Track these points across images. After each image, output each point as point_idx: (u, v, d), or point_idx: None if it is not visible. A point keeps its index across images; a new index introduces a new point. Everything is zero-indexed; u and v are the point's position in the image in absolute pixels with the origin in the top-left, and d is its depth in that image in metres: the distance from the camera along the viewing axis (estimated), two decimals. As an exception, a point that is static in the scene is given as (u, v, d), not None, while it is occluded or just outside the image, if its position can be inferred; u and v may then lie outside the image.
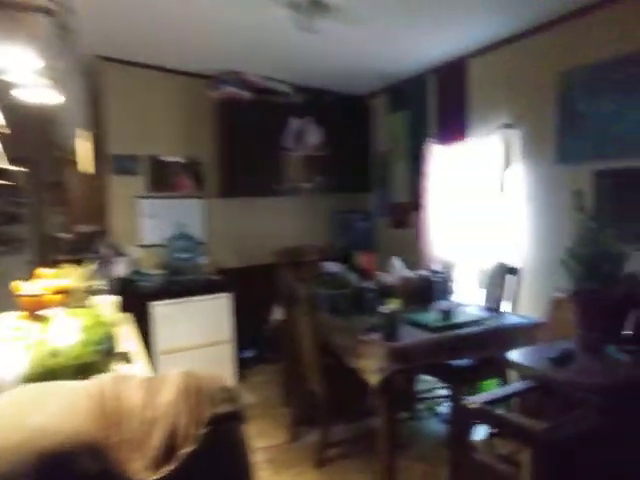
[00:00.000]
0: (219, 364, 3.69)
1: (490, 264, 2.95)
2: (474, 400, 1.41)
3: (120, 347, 1.94)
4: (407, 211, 4.21)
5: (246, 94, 3.91)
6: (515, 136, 3.12)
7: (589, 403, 1.32)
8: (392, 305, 2.53)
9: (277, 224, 4.52)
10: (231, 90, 3.82)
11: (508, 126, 3.14)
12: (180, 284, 3.68)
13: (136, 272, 3.69)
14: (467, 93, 3.53)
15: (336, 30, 2.95)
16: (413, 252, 3.85)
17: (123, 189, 3.86)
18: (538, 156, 3.00)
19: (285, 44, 3.28)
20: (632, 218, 2.41)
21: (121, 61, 3.72)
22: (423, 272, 3.03)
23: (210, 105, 4.04)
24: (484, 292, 2.86)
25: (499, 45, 3.22)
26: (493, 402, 1.45)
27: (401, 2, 2.63)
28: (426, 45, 3.32)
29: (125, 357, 1.90)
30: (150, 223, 3.96)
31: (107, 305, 2.29)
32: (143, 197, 3.93)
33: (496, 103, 3.27)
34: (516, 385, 1.67)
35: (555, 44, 2.86)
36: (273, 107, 4.11)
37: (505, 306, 2.77)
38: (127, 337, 2.15)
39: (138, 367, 1.90)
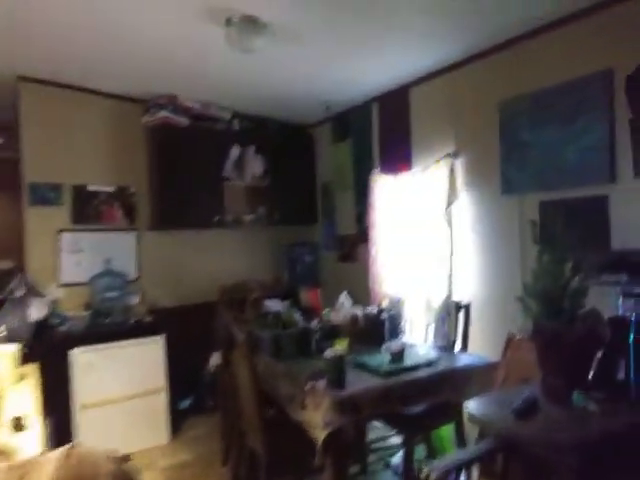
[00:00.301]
0: (151, 416, 3.32)
1: (439, 300, 2.81)
2: (432, 469, 1.21)
3: (12, 411, 1.63)
4: (354, 244, 4.06)
5: (182, 120, 3.68)
6: (460, 166, 3.07)
7: (562, 465, 1.14)
8: (339, 347, 2.32)
9: (217, 259, 4.23)
10: (165, 115, 3.57)
11: (452, 155, 3.08)
12: (106, 327, 3.33)
13: (55, 314, 3.28)
14: (411, 122, 3.49)
15: (277, 54, 2.82)
16: (361, 287, 3.69)
17: (43, 221, 3.47)
18: (483, 186, 2.94)
19: (223, 68, 3.12)
20: (580, 250, 2.34)
21: (41, 81, 3.39)
22: (372, 310, 2.84)
23: (143, 131, 3.79)
24: (433, 329, 2.70)
25: (441, 73, 3.19)
26: (454, 469, 1.25)
27: (340, 26, 2.54)
28: (368, 72, 3.26)
29: (16, 424, 1.58)
30: (73, 259, 3.57)
31: (4, 357, 1.95)
32: (66, 230, 3.55)
33: (440, 132, 3.22)
34: (477, 447, 1.48)
35: (496, 72, 2.85)
36: (212, 134, 3.90)
37: (456, 344, 2.62)
38: (26, 396, 1.82)
39: (31, 436, 1.59)
